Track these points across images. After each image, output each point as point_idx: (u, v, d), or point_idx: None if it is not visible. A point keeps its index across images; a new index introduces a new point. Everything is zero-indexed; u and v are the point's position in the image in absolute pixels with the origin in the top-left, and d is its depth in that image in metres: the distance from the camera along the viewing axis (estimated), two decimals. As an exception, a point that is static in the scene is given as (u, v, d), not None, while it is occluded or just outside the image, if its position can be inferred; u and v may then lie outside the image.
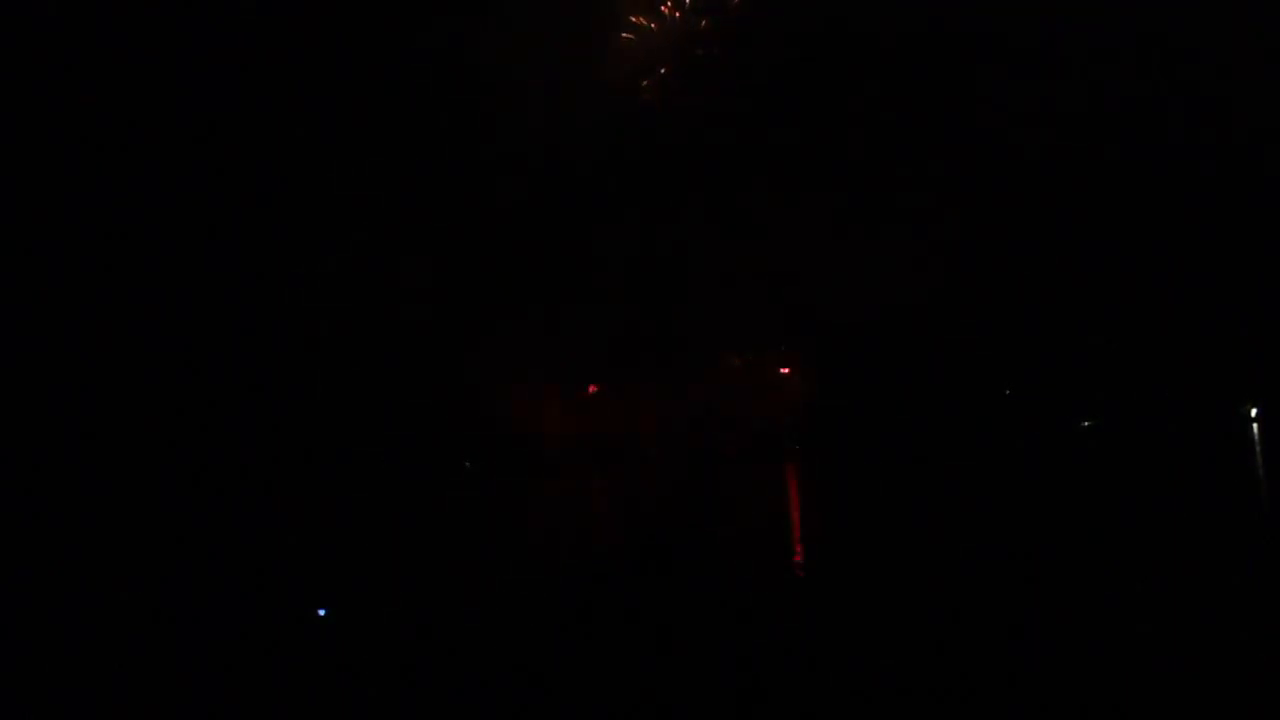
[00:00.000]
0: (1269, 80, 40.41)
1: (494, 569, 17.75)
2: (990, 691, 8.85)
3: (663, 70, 50.28)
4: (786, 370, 52.29)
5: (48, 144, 41.38)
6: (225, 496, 37.60)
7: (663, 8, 49.42)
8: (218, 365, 44.85)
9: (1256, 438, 41.72)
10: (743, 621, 12.01)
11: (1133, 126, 41.85)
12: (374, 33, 44.48)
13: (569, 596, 14.25)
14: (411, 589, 15.57)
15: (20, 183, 41.27)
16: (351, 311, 45.21)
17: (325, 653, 10.86)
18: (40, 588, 18.14)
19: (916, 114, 42.70)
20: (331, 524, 30.94)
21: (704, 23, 49.00)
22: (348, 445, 44.92)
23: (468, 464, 50.80)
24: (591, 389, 52.30)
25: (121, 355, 42.74)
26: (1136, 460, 34.76)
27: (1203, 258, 45.36)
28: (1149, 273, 46.35)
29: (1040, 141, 40.94)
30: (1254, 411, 50.12)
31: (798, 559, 17.97)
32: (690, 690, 9.27)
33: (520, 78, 47.03)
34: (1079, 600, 11.95)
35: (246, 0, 42.61)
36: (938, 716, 8.37)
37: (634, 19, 49.25)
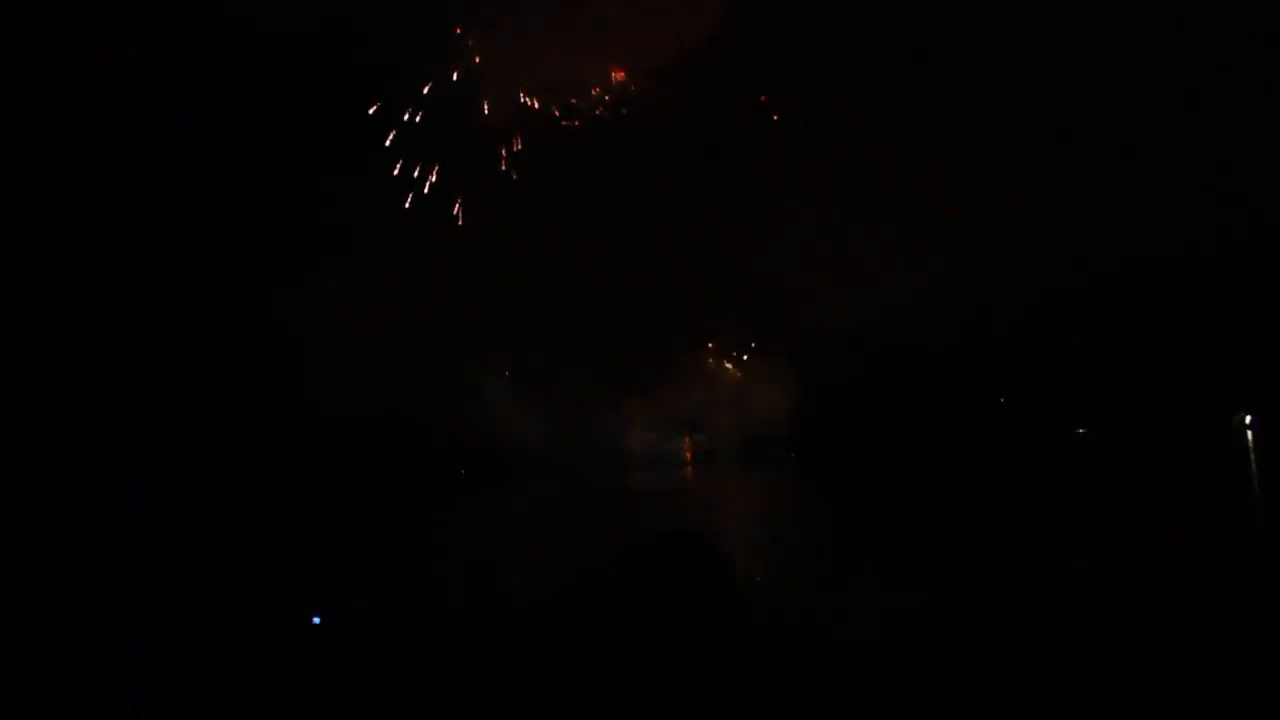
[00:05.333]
0: (1268, 81, 40.45)
1: (486, 576, 17.69)
2: (984, 700, 8.86)
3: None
4: (776, 375, 52.21)
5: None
6: (217, 502, 37.50)
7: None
8: (211, 371, 44.81)
9: (1250, 445, 41.83)
10: (733, 631, 11.97)
11: (1124, 130, 41.92)
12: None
13: (560, 604, 14.20)
14: (404, 596, 15.54)
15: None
16: (342, 318, 45.19)
17: (319, 660, 10.86)
18: (29, 591, 18.07)
19: (902, 116, 42.78)
20: (326, 529, 30.88)
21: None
22: (343, 451, 44.86)
23: (463, 471, 50.77)
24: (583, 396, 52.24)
25: (118, 358, 42.71)
26: (1130, 468, 34.80)
27: (1196, 264, 45.49)
28: (1142, 279, 46.46)
29: (1030, 146, 41.00)
30: (1247, 419, 50.22)
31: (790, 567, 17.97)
32: (677, 701, 9.26)
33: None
34: (1073, 610, 11.95)
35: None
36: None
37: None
